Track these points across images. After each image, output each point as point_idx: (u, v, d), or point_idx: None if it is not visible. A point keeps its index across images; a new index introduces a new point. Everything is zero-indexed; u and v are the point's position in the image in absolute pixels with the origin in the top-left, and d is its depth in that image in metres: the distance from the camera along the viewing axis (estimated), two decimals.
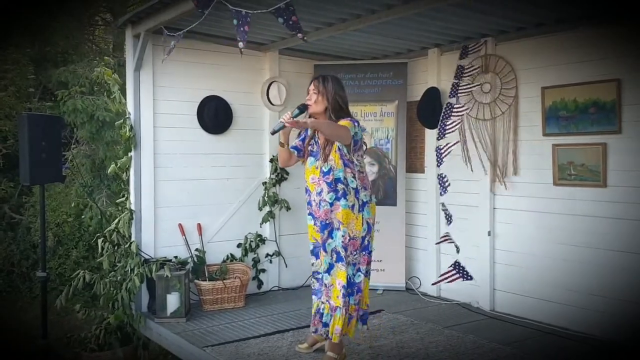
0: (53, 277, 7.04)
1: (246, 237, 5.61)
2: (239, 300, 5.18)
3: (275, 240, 5.76)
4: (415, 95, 5.74)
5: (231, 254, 5.53)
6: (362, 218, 3.72)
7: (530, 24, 4.67)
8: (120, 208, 5.17)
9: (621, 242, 4.21)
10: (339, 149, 3.66)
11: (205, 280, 5.13)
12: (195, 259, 5.22)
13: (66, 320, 6.48)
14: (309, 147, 3.85)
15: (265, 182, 5.72)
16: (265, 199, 5.67)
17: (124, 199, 5.16)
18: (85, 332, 5.03)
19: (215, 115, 5.40)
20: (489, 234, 5.08)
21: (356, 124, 3.69)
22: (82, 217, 7.05)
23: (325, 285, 3.77)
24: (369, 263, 3.84)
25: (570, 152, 4.48)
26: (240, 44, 3.51)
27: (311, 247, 3.91)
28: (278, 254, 5.78)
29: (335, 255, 3.69)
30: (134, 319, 4.82)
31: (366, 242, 3.77)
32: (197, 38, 5.15)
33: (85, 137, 7.39)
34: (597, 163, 4.30)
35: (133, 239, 4.97)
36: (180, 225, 5.24)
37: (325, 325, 3.78)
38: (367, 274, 3.84)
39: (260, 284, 5.68)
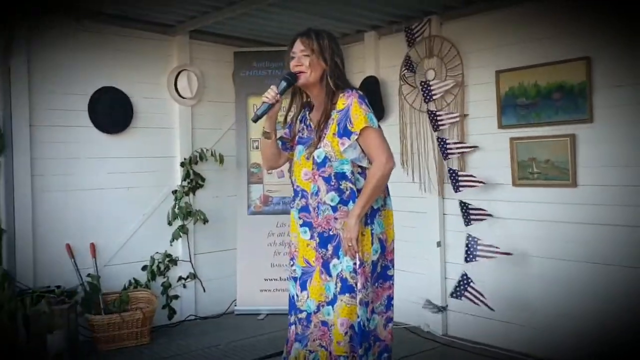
0: None
1: (153, 258, 4.70)
2: (143, 335, 4.27)
3: (190, 261, 4.88)
4: None
5: (134, 279, 4.61)
6: (371, 234, 2.64)
7: None
8: None
9: (593, 252, 3.59)
10: (340, 130, 2.59)
11: (100, 314, 4.19)
12: (86, 286, 4.27)
13: None
14: (298, 134, 2.80)
15: (176, 191, 4.84)
16: (176, 211, 4.78)
17: None
18: None
19: (110, 111, 4.52)
20: (439, 244, 4.39)
21: (366, 103, 2.62)
22: None
23: (323, 323, 2.65)
24: (390, 296, 2.76)
25: (531, 147, 3.86)
26: None
27: (298, 273, 2.74)
28: (194, 276, 4.90)
29: (340, 284, 2.61)
30: None
31: (380, 269, 2.69)
32: (86, 17, 4.23)
33: None
34: (565, 158, 3.70)
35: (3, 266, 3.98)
36: (68, 246, 4.28)
37: None
38: (389, 307, 2.76)
39: (171, 313, 4.76)
